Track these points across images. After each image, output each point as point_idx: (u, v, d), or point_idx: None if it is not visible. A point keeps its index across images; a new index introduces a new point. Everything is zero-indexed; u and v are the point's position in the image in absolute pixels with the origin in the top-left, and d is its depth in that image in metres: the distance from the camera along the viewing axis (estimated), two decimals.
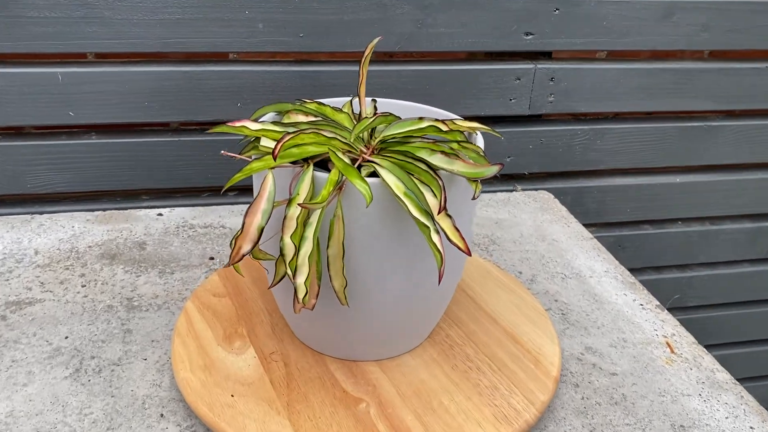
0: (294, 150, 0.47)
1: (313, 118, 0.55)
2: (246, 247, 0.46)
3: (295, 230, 0.46)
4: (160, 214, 0.84)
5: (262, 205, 0.46)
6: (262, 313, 0.63)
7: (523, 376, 0.58)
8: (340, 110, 0.57)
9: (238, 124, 0.50)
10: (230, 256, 0.46)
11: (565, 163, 0.96)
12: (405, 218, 0.49)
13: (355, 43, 0.83)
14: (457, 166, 0.48)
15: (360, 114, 0.59)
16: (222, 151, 0.48)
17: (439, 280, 0.45)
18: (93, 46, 0.77)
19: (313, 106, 0.57)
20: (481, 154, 0.51)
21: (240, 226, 0.78)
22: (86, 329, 0.64)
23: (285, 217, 0.46)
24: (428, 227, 0.45)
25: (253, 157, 0.51)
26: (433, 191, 0.47)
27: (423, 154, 0.49)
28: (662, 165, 1.00)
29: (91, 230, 0.80)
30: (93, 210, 0.84)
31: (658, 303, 0.74)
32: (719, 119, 0.99)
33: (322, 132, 0.49)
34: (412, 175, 0.48)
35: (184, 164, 0.86)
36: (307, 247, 0.46)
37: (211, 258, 0.76)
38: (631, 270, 1.05)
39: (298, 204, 0.44)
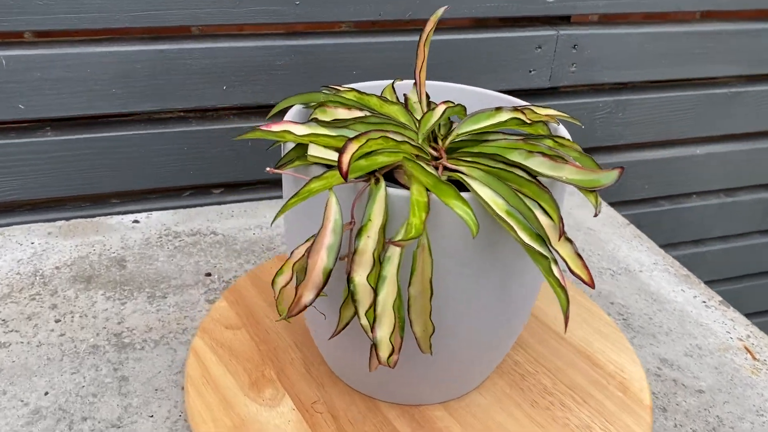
0: (362, 162, 0.36)
1: (359, 113, 0.43)
2: (309, 296, 0.35)
3: (372, 269, 0.35)
4: (137, 221, 0.71)
5: (327, 239, 0.35)
6: (290, 349, 0.52)
7: (614, 409, 0.49)
8: (387, 100, 0.45)
9: (277, 127, 0.38)
10: (288, 308, 0.35)
11: (586, 138, 0.87)
12: (497, 241, 0.39)
13: (360, 11, 0.71)
14: (567, 173, 0.38)
15: (407, 103, 0.48)
16: (267, 168, 0.36)
17: (565, 325, 0.35)
18: (42, 23, 0.63)
19: (352, 96, 0.46)
20: (583, 153, 0.41)
21: (229, 235, 0.66)
22: (70, 380, 0.51)
23: (355, 251, 0.35)
24: (546, 258, 0.35)
25: (289, 170, 0.40)
26: (542, 208, 0.37)
27: (516, 157, 0.39)
28: (684, 136, 0.92)
29: (56, 246, 0.67)
30: (54, 220, 0.70)
31: (721, 299, 0.66)
32: (741, 85, 0.92)
33: (389, 135, 0.38)
34: (511, 186, 0.37)
35: (161, 160, 0.73)
36: (389, 289, 0.35)
37: (208, 274, 0.64)
38: None
39: (391, 242, 0.33)
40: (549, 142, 0.41)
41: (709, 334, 0.61)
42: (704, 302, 0.65)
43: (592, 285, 0.36)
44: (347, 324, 0.38)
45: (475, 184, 0.37)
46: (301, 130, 0.38)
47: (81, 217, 0.72)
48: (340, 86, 0.49)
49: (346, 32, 0.73)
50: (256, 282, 0.59)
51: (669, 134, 0.91)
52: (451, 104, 0.44)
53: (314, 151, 0.37)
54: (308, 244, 0.37)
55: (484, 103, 0.51)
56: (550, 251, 0.36)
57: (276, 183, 0.78)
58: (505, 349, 0.47)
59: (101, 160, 0.71)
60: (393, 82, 0.50)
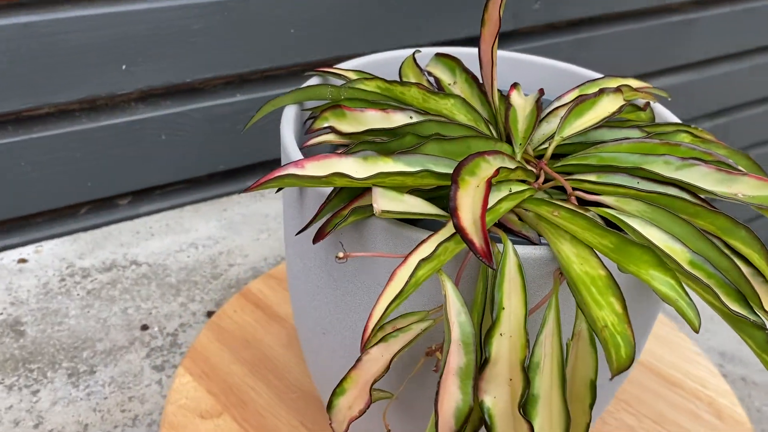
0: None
1: (400, 116, 0.29)
2: None
3: (523, 390, 0.22)
4: (24, 260, 0.52)
5: (456, 359, 0.21)
6: None
7: None
8: (431, 91, 0.31)
9: (319, 168, 0.23)
10: None
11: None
12: (634, 295, 0.27)
13: None
14: (743, 188, 0.26)
15: (441, 88, 0.33)
16: (339, 254, 0.22)
17: None
18: None
19: (375, 87, 0.31)
20: (732, 148, 0.29)
21: (156, 263, 0.46)
22: None
23: (486, 363, 0.22)
24: (763, 330, 0.23)
25: (368, 250, 0.25)
26: (730, 248, 0.25)
27: (664, 169, 0.26)
28: (641, 72, 0.84)
29: None
30: None
31: None
32: (698, 10, 0.84)
33: (489, 158, 0.24)
34: (686, 221, 0.25)
35: (44, 174, 0.54)
36: (549, 416, 0.22)
37: (145, 327, 0.48)
38: None
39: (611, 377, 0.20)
40: (685, 137, 0.29)
41: None
42: None
43: None
44: None
45: (635, 224, 0.24)
46: (358, 169, 0.23)
47: None
48: (335, 69, 0.34)
49: None
50: (223, 337, 0.44)
51: (626, 70, 0.83)
52: (518, 87, 0.31)
53: (387, 202, 0.23)
54: (387, 347, 0.23)
55: (530, 75, 0.38)
56: (758, 315, 0.24)
57: (199, 182, 0.61)
58: None
59: None
60: (414, 55, 0.35)
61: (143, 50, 0.52)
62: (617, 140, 0.28)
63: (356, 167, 0.23)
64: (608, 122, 0.30)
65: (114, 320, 0.48)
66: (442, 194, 0.25)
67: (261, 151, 0.61)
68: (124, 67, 0.52)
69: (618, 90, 0.30)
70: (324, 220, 0.24)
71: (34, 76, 0.49)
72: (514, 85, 0.31)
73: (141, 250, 0.54)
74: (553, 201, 0.24)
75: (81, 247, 0.54)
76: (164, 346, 0.46)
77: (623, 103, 0.29)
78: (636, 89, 0.33)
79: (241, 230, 0.58)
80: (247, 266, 0.54)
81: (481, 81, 0.32)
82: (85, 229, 0.56)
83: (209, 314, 0.48)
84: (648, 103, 0.32)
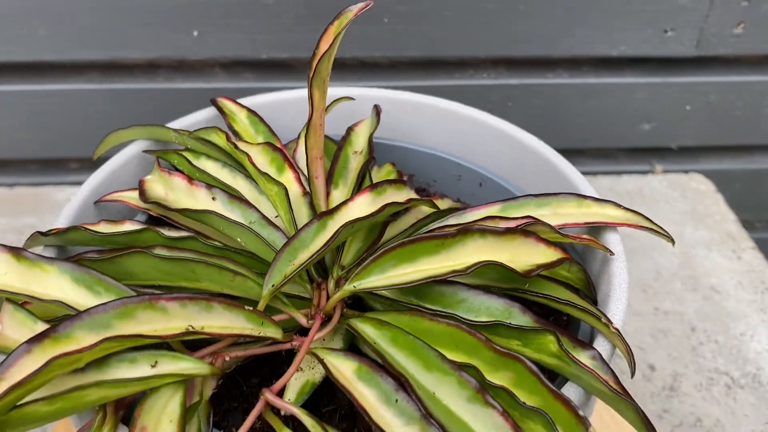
0: None
1: (204, 195, 0.22)
2: None
3: None
4: None
5: None
6: None
7: None
8: (263, 173, 0.24)
9: None
10: None
11: (741, 132, 0.59)
12: None
13: None
14: None
15: (339, 154, 0.26)
16: None
17: None
18: None
19: (224, 144, 0.24)
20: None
21: None
22: None
23: None
24: None
25: None
26: None
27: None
28: None
29: None
30: None
31: None
32: None
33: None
34: None
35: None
36: None
37: None
38: None
39: None
40: (551, 345, 0.18)
41: None
42: None
43: None
44: None
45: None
46: None
47: None
48: (233, 103, 0.28)
49: None
50: None
51: None
52: (381, 188, 0.22)
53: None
54: None
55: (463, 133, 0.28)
56: None
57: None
58: None
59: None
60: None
61: (213, 19, 0.49)
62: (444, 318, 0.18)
63: None
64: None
65: None
66: None
67: None
68: (196, 33, 0.50)
69: (510, 232, 0.20)
70: None
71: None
72: (378, 193, 0.22)
73: None
74: None
75: None
76: None
77: (479, 260, 0.19)
78: (594, 222, 0.22)
79: None
80: None
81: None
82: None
83: None
84: (566, 260, 0.21)
